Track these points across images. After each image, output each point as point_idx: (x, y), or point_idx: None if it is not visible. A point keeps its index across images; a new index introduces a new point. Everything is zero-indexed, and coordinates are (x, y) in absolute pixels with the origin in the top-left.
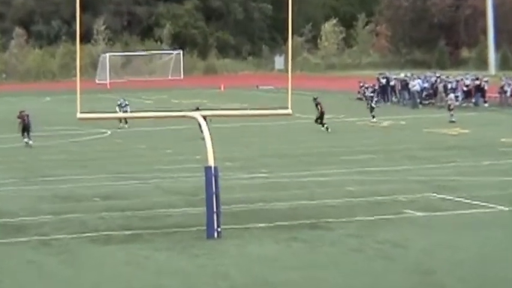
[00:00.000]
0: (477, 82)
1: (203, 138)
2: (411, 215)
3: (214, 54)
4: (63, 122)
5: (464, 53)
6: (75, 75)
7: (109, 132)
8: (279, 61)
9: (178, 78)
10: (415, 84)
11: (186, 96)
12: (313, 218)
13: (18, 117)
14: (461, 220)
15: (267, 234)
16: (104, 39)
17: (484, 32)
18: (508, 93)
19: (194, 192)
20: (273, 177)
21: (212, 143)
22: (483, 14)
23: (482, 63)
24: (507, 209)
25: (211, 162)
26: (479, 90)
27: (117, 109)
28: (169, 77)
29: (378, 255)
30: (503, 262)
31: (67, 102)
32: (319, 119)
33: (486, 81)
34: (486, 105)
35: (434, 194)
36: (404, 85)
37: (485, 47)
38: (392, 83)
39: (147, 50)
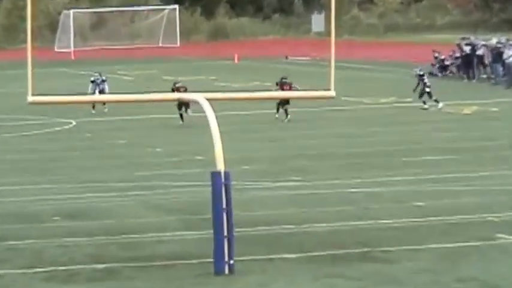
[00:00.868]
0: None
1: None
2: (507, 240)
3: (225, 11)
4: (8, 109)
5: None
6: (24, 42)
7: (74, 122)
8: (317, 21)
9: (172, 45)
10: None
11: (183, 71)
12: (366, 246)
13: None
14: None
15: (299, 269)
16: None
17: None
18: None
19: (195, 209)
20: (309, 187)
21: (222, 138)
22: None
23: None
24: None
25: (220, 166)
26: None
27: (91, 88)
28: (160, 44)
29: None
30: None
31: (13, 79)
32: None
33: None
34: None
35: None
36: (497, 55)
37: None
38: (479, 52)
39: (127, 6)
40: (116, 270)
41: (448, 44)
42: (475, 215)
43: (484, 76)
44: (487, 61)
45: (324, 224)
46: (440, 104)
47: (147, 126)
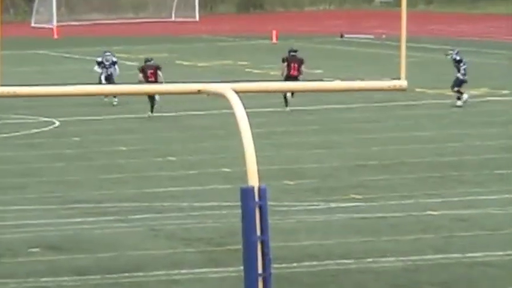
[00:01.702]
0: None
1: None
2: None
3: None
4: None
5: None
6: None
7: (57, 122)
8: None
9: (190, 19)
10: None
11: (204, 54)
12: (449, 287)
13: None
14: None
15: None
16: None
17: None
18: None
19: (220, 239)
20: (373, 209)
21: (255, 143)
22: None
23: None
24: None
25: (253, 180)
26: None
27: (98, 71)
28: (173, 18)
29: None
30: None
31: None
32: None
33: None
34: None
35: None
36: None
37: None
38: None
39: None
40: None
41: None
42: None
43: None
44: None
45: (392, 259)
46: (464, 97)
47: (155, 128)
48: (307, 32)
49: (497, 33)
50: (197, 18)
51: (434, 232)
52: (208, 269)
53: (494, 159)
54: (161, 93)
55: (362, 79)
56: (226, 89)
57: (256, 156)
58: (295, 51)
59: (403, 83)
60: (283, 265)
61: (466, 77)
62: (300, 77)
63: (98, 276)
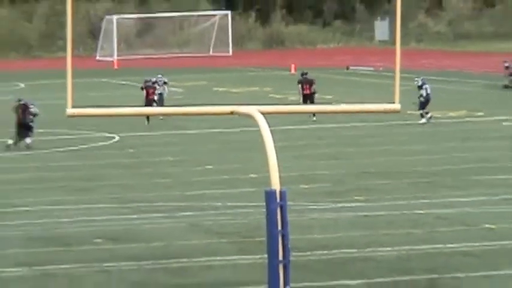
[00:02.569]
0: None
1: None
2: None
3: (281, 17)
4: (46, 122)
5: None
6: (63, 50)
7: (117, 137)
8: (381, 28)
9: (224, 54)
10: None
11: (236, 82)
12: (434, 272)
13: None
14: None
15: None
16: None
17: None
18: None
19: (248, 232)
20: (373, 209)
21: (277, 154)
22: None
23: None
24: None
25: (275, 184)
26: None
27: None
28: (211, 53)
29: None
30: None
31: (51, 90)
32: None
33: None
34: None
35: None
36: None
37: None
38: None
39: (175, 11)
40: None
41: None
42: None
43: None
44: None
45: (389, 249)
46: (428, 116)
47: (196, 142)
48: (319, 65)
49: (475, 66)
50: (230, 53)
51: (422, 227)
52: (239, 257)
53: (471, 168)
54: (201, 115)
55: (364, 103)
56: (254, 111)
57: (278, 165)
58: (306, 73)
59: (396, 106)
60: (300, 254)
61: (426, 98)
62: (315, 94)
63: (150, 262)
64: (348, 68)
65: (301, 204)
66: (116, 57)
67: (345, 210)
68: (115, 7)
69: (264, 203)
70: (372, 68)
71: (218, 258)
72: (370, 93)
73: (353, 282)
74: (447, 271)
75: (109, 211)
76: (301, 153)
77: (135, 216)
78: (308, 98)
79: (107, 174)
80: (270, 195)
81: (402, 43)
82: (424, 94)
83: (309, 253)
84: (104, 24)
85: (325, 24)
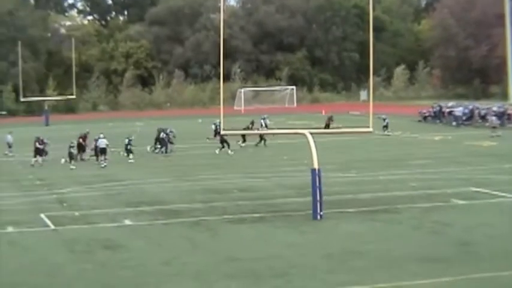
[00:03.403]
0: (502, 109)
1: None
2: (456, 203)
3: (318, 89)
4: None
5: (493, 88)
6: (219, 104)
7: (243, 144)
8: (363, 94)
9: (292, 106)
10: (459, 110)
11: (297, 119)
12: (387, 205)
13: None
14: (492, 207)
15: (354, 217)
16: (239, 79)
17: (507, 73)
18: None
19: (302, 187)
20: (360, 176)
21: (317, 152)
22: (506, 61)
23: (505, 96)
24: None
25: (315, 166)
26: (504, 114)
27: (261, 123)
28: (286, 105)
29: (431, 231)
30: None
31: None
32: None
33: None
34: (510, 125)
35: (472, 188)
36: (451, 111)
37: (507, 84)
38: (444, 110)
39: (270, 86)
40: (264, 217)
41: (427, 106)
42: (440, 190)
43: (445, 121)
44: (446, 114)
45: (367, 194)
46: (386, 132)
47: (285, 146)
48: (335, 110)
49: (406, 111)
50: (295, 105)
51: (382, 184)
52: (298, 199)
53: (405, 157)
54: (282, 134)
55: (354, 127)
56: (306, 132)
57: (318, 157)
58: (331, 116)
59: (370, 129)
60: (326, 197)
61: (386, 125)
62: (332, 123)
63: (258, 201)
64: (348, 112)
65: (326, 174)
66: (242, 107)
67: (345, 177)
68: (242, 85)
69: (310, 174)
70: (359, 112)
71: (289, 199)
72: (358, 123)
73: (351, 210)
74: (393, 204)
75: (239, 176)
76: (327, 152)
77: (250, 180)
78: (327, 126)
79: (238, 160)
80: (313, 171)
81: (372, 101)
82: (385, 123)
83: (331, 196)
84: (237, 93)
85: (338, 92)
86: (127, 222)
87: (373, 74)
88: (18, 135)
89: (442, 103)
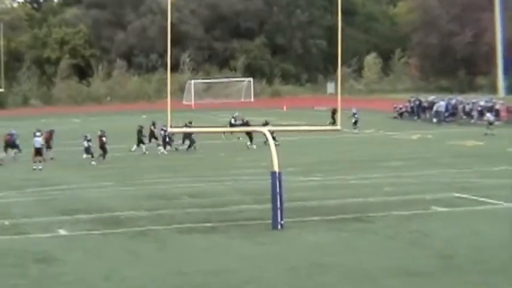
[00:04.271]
0: (489, 104)
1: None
2: (436, 210)
3: (279, 81)
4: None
5: (480, 80)
6: (166, 97)
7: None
8: (330, 86)
9: (249, 100)
10: (441, 105)
11: (255, 115)
12: (358, 213)
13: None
14: (476, 214)
15: (320, 226)
16: (189, 69)
17: (495, 63)
18: None
19: (263, 192)
20: (326, 180)
21: (277, 153)
22: (495, 49)
23: (494, 89)
24: None
25: (276, 168)
26: (492, 110)
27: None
28: (242, 100)
29: (409, 242)
30: None
31: (160, 119)
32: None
33: (501, 103)
34: (497, 122)
35: (454, 193)
36: (432, 106)
37: (496, 75)
38: (424, 104)
39: (224, 78)
40: (217, 227)
41: (403, 100)
42: (418, 195)
43: (424, 118)
44: (426, 110)
45: (335, 200)
46: (356, 130)
47: (240, 146)
48: (298, 106)
49: (379, 106)
50: (252, 100)
51: (351, 189)
52: (256, 206)
53: (378, 159)
54: (240, 131)
55: (321, 125)
56: (264, 130)
57: (278, 158)
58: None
59: (338, 127)
60: (288, 203)
61: (357, 119)
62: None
63: (210, 208)
64: (313, 108)
65: (288, 178)
66: (193, 102)
67: (312, 181)
68: (192, 76)
69: (270, 177)
70: (326, 108)
71: (245, 206)
72: (325, 121)
73: (316, 218)
74: (365, 212)
75: (189, 181)
76: (288, 152)
77: (202, 184)
78: (333, 118)
79: (189, 162)
80: (273, 174)
81: (341, 94)
82: (354, 119)
83: (293, 203)
84: (186, 85)
85: (301, 84)
86: (62, 232)
87: (342, 64)
88: None
89: (422, 97)
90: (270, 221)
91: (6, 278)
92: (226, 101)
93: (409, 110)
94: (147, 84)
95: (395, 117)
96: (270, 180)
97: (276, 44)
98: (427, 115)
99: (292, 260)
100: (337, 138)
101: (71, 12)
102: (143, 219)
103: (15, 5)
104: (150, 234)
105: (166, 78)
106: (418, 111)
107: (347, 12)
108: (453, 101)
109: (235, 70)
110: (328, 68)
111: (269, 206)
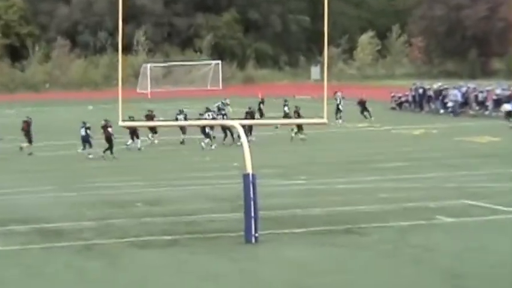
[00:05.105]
0: (507, 92)
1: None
2: (442, 221)
3: (252, 64)
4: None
5: (495, 63)
6: (116, 85)
7: (156, 141)
8: (315, 71)
9: (217, 88)
10: (455, 94)
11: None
12: (348, 224)
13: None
14: (490, 225)
15: (303, 239)
16: (144, 50)
17: None
18: None
19: (233, 199)
20: (311, 184)
21: (251, 151)
22: None
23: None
24: None
25: (249, 170)
26: (510, 99)
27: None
28: (208, 87)
29: (410, 260)
30: None
31: (109, 110)
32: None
33: None
34: None
35: (464, 201)
36: (439, 95)
37: None
38: (430, 93)
39: (186, 61)
40: (179, 240)
41: (403, 87)
42: (420, 203)
43: (428, 109)
44: (432, 99)
45: (320, 209)
46: (340, 121)
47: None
48: (276, 94)
49: (374, 95)
50: (221, 87)
51: (340, 195)
52: (229, 214)
53: (372, 159)
54: (210, 125)
55: (305, 117)
56: (236, 123)
57: (253, 157)
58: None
59: (325, 120)
60: (264, 212)
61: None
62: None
63: (172, 217)
64: (294, 96)
65: (265, 181)
66: (149, 90)
67: (293, 185)
68: (149, 58)
69: (243, 180)
70: (309, 96)
71: (214, 215)
72: (308, 112)
73: (298, 230)
74: (356, 223)
75: (146, 185)
76: (265, 149)
77: (162, 188)
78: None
79: (141, 165)
80: (245, 177)
81: (328, 81)
82: (340, 107)
83: (270, 212)
84: (141, 69)
85: (280, 69)
86: None
87: (330, 43)
88: None
89: (426, 84)
90: (243, 233)
91: None
92: (188, 89)
93: (410, 99)
94: (93, 69)
95: (393, 108)
96: (242, 184)
97: (249, 19)
98: (432, 106)
99: (268, 279)
100: (323, 133)
101: None
102: (90, 230)
103: None
104: (98, 249)
105: (117, 62)
106: (422, 101)
107: None
108: (463, 89)
109: (200, 51)
110: (311, 48)
111: (241, 215)
